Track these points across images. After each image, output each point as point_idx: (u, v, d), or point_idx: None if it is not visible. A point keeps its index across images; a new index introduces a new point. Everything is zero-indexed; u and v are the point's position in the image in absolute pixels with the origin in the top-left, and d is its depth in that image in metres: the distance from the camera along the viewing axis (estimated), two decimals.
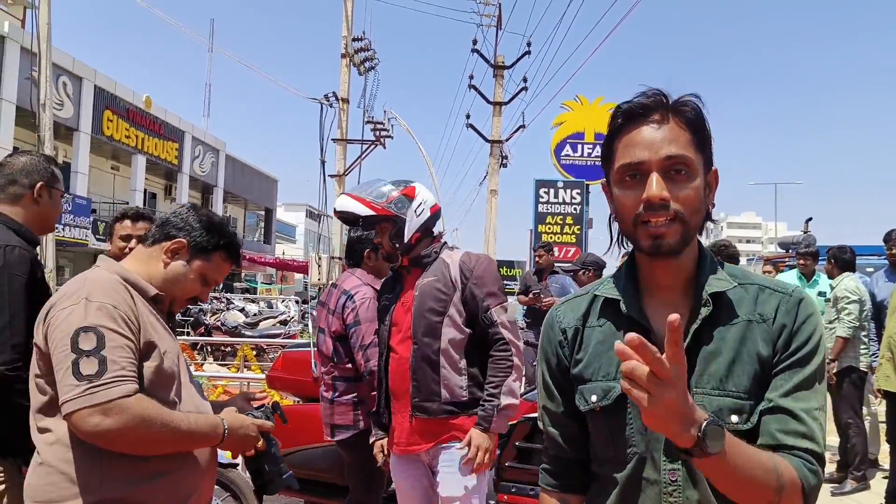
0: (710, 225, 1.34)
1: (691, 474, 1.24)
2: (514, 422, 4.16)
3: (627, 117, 1.28)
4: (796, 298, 1.27)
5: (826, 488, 5.96)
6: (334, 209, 3.13)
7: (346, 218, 3.10)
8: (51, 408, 1.75)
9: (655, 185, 1.22)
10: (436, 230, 3.18)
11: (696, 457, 1.06)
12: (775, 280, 1.33)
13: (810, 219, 16.62)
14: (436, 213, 3.16)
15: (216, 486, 3.84)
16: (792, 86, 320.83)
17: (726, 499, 1.18)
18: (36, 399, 1.78)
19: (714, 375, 1.23)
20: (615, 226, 1.37)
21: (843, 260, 6.32)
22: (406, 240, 3.04)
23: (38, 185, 2.58)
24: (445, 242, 3.20)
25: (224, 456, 3.68)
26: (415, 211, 3.05)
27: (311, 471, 4.38)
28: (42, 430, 1.77)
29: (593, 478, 1.42)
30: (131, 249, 3.43)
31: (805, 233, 15.78)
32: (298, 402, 4.88)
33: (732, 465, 1.08)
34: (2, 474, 2.32)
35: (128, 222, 3.37)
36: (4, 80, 19.77)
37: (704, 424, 1.04)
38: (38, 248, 2.55)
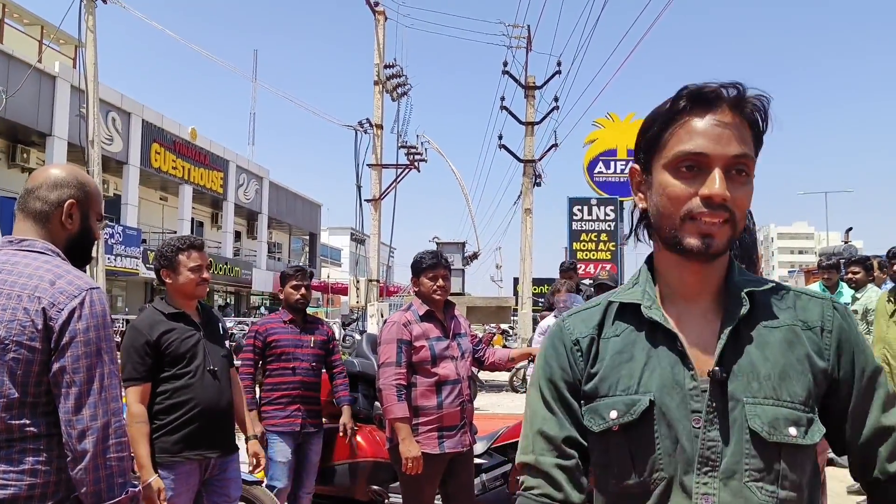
0: (759, 237, 1.25)
1: (729, 500, 1.10)
2: None
3: (694, 100, 1.15)
4: (841, 308, 1.19)
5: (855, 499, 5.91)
6: None
7: None
8: None
9: (719, 183, 1.10)
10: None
11: None
12: (803, 287, 1.22)
13: (850, 229, 16.47)
14: None
15: (240, 503, 4.05)
16: (834, 91, 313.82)
17: None
18: None
19: (766, 383, 1.11)
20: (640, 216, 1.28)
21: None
22: None
23: None
24: None
25: (249, 473, 3.90)
26: None
27: (332, 487, 4.58)
28: None
29: None
30: (205, 280, 3.34)
31: (846, 243, 15.63)
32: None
33: None
34: None
35: (195, 253, 3.33)
36: (56, 118, 20.69)
37: None
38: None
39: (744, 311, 1.14)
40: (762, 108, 1.15)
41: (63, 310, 1.73)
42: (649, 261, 1.28)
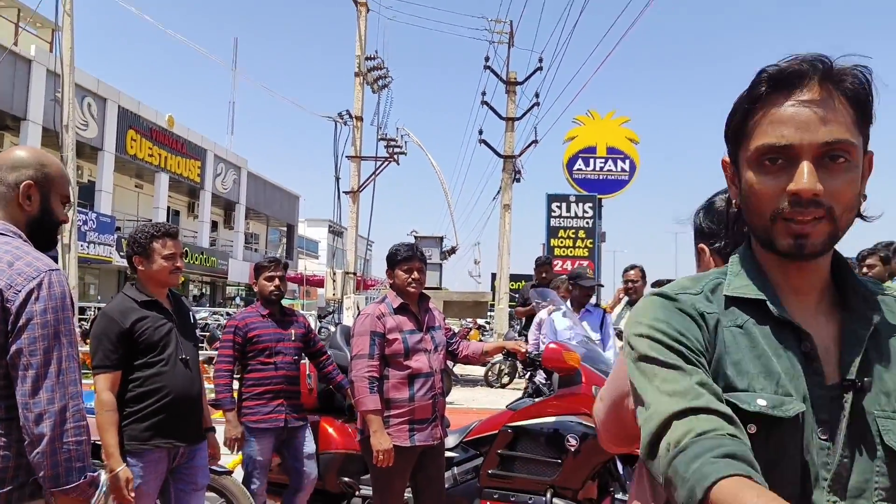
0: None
1: None
2: (496, 431, 4.32)
3: (775, 83, 1.02)
4: None
5: None
6: None
7: None
8: None
9: (808, 177, 0.97)
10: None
11: None
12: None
13: None
14: None
15: (210, 493, 4.04)
16: None
17: None
18: None
19: (894, 395, 1.00)
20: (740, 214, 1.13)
21: None
22: None
23: None
24: None
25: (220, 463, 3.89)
26: None
27: None
28: None
29: None
30: (178, 268, 3.29)
31: None
32: None
33: None
34: None
35: (170, 241, 3.29)
36: (31, 102, 20.38)
37: None
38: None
39: (878, 317, 1.04)
40: (862, 80, 1.01)
41: (20, 291, 1.71)
42: (748, 249, 1.15)
